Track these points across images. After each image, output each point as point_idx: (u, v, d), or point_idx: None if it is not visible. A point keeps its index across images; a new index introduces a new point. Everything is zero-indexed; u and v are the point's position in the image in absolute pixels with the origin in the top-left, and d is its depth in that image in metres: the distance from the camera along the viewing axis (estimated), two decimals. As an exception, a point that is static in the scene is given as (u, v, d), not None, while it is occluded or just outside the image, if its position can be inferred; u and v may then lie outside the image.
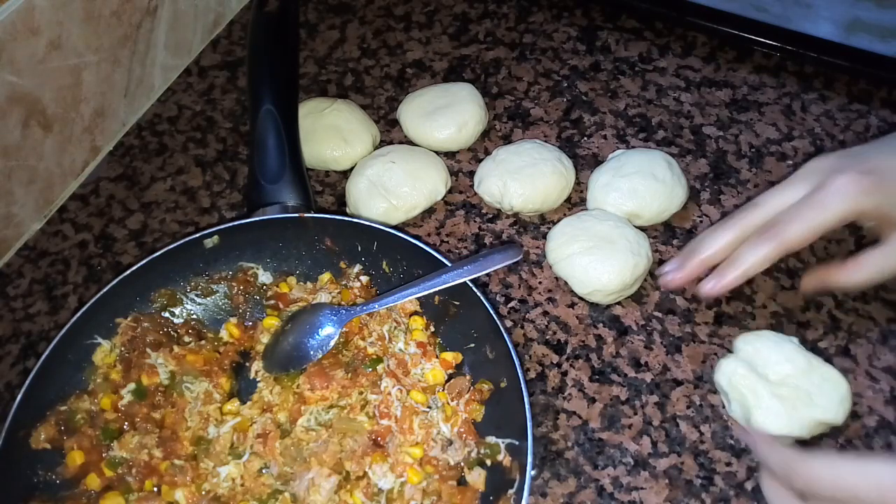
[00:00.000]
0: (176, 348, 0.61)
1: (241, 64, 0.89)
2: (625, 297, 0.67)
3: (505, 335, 0.57)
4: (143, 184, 0.80)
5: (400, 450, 0.56)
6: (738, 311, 0.66)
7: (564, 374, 0.64)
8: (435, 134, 0.77)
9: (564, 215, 0.72)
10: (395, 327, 0.63)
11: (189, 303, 0.66)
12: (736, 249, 0.58)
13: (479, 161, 0.77)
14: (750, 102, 0.80)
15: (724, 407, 0.61)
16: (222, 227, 0.65)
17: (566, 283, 0.68)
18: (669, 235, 0.71)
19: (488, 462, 0.57)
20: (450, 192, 0.76)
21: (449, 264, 0.61)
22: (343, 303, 0.63)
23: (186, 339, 0.63)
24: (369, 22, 0.92)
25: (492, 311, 0.58)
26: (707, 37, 0.86)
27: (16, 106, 0.70)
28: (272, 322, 0.64)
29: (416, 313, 0.65)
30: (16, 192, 0.73)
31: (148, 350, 0.61)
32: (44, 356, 0.57)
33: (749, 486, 0.58)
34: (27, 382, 0.56)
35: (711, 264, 0.59)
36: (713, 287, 0.58)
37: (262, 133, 0.69)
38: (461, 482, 0.57)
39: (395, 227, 0.65)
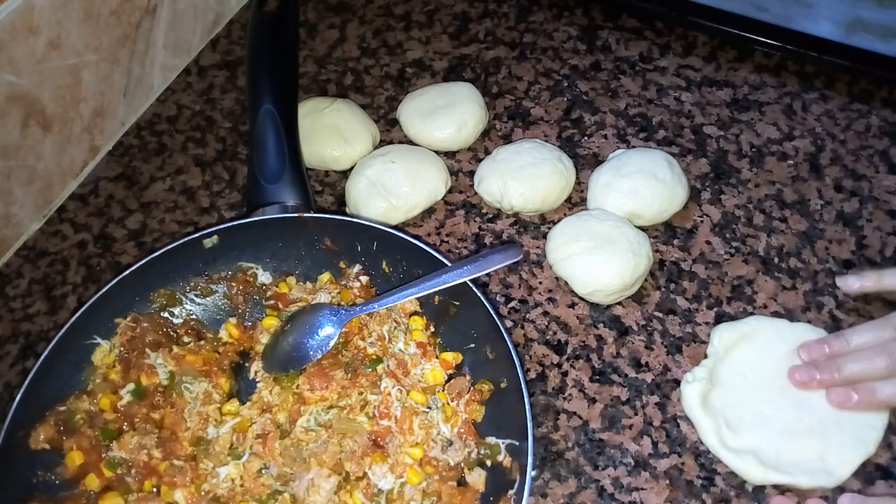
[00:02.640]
0: (175, 348, 0.61)
1: (241, 63, 0.89)
2: (625, 298, 0.67)
3: (505, 335, 0.57)
4: (142, 183, 0.79)
5: (400, 450, 0.56)
6: (738, 311, 0.66)
7: (565, 374, 0.64)
8: (435, 133, 0.77)
9: (565, 215, 0.72)
10: (395, 327, 0.63)
11: (188, 303, 0.66)
12: (873, 378, 0.57)
13: (479, 161, 0.77)
14: (751, 102, 0.80)
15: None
16: (222, 226, 0.64)
17: (566, 283, 0.68)
18: (670, 235, 0.71)
19: (488, 462, 0.57)
20: (450, 191, 0.76)
21: (449, 264, 0.60)
22: (343, 303, 0.63)
23: (186, 339, 0.63)
24: (369, 21, 0.92)
25: (492, 311, 0.58)
26: (708, 36, 0.86)
27: (15, 105, 0.70)
28: (272, 322, 0.63)
29: (416, 313, 0.64)
30: (15, 192, 0.73)
31: (147, 350, 0.61)
32: (43, 356, 0.57)
33: (749, 486, 0.58)
34: (26, 382, 0.56)
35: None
36: (842, 403, 0.57)
37: (262, 133, 0.69)
38: (461, 483, 0.56)
39: (395, 227, 0.65)
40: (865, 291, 0.64)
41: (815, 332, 0.63)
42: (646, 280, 0.68)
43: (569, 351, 0.65)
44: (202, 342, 0.63)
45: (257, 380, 0.62)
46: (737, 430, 0.58)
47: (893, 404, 0.56)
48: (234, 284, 0.66)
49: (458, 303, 0.62)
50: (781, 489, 0.57)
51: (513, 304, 0.68)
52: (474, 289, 0.59)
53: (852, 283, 0.64)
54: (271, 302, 0.65)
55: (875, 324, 0.60)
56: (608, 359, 0.65)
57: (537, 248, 0.71)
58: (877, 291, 0.64)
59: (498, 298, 0.69)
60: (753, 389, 0.60)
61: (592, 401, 0.63)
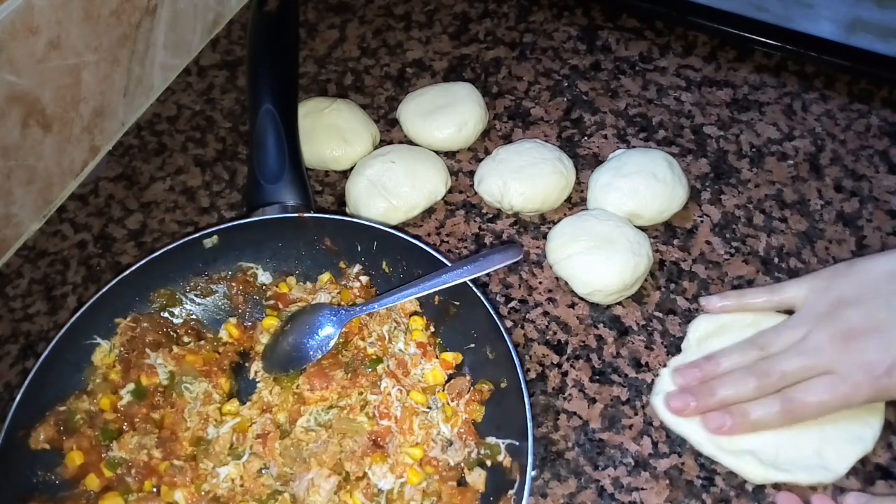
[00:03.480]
0: (175, 348, 0.61)
1: (241, 63, 0.89)
2: (625, 298, 0.67)
3: (505, 335, 0.57)
4: (142, 184, 0.79)
5: (400, 450, 0.56)
6: (738, 311, 0.66)
7: (565, 374, 0.64)
8: (435, 133, 0.77)
9: (565, 215, 0.72)
10: (395, 327, 0.63)
11: (188, 303, 0.66)
12: (744, 401, 0.58)
13: (479, 161, 0.77)
14: (751, 102, 0.80)
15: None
16: (222, 226, 0.64)
17: (566, 283, 0.68)
18: (670, 235, 0.71)
19: (488, 462, 0.57)
20: (450, 191, 0.76)
21: (449, 264, 0.60)
22: (343, 303, 0.63)
23: (186, 339, 0.63)
24: (369, 21, 0.92)
25: (492, 311, 0.58)
26: (708, 36, 0.86)
27: (15, 105, 0.70)
28: (272, 322, 0.63)
29: (416, 313, 0.64)
30: (15, 192, 0.73)
31: (147, 350, 0.61)
32: (43, 356, 0.57)
33: (749, 486, 0.58)
34: (26, 382, 0.56)
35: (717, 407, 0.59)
36: (718, 430, 0.58)
37: (262, 133, 0.69)
38: (461, 483, 0.56)
39: (395, 227, 0.65)
40: (727, 311, 0.64)
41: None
42: (646, 280, 0.68)
43: (569, 351, 0.65)
44: (202, 342, 0.63)
45: (257, 380, 0.62)
46: None
47: (765, 426, 0.57)
48: (234, 284, 0.66)
49: (458, 303, 0.62)
50: (779, 488, 0.57)
51: (513, 304, 0.68)
52: (474, 289, 0.59)
53: (714, 303, 0.64)
54: (271, 302, 0.65)
55: (743, 344, 0.60)
56: (608, 359, 0.65)
57: (537, 248, 0.71)
58: (739, 311, 0.64)
59: (498, 298, 0.69)
60: None
61: (592, 401, 0.63)
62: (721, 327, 0.63)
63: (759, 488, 0.57)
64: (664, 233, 0.71)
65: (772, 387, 0.57)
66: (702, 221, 0.72)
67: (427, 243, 0.63)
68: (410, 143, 0.79)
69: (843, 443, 0.57)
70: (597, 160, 0.77)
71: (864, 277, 0.59)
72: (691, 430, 0.59)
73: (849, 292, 0.58)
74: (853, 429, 0.58)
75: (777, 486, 0.57)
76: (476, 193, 0.75)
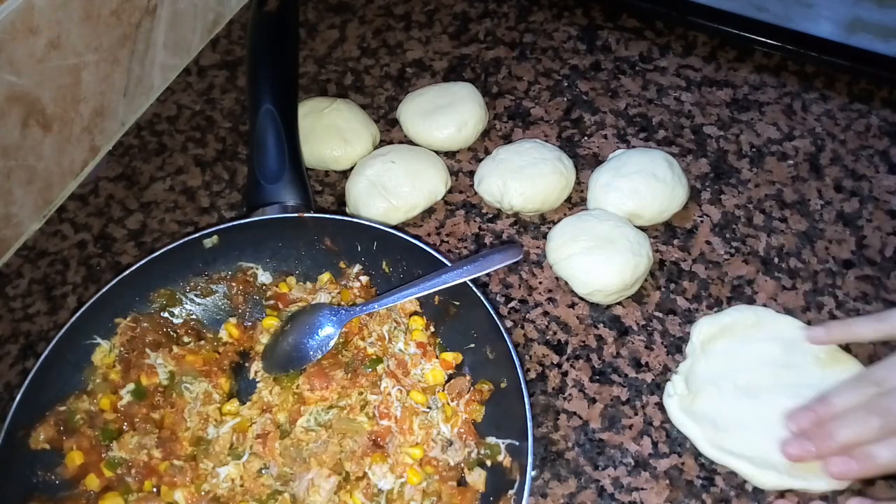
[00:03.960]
0: (175, 348, 0.61)
1: (241, 63, 0.89)
2: (625, 297, 0.67)
3: (505, 335, 0.57)
4: (142, 184, 0.79)
5: (400, 450, 0.56)
6: (738, 311, 0.66)
7: (565, 374, 0.64)
8: (435, 133, 0.77)
9: (565, 215, 0.72)
10: (395, 327, 0.63)
11: (188, 303, 0.66)
12: (866, 442, 0.54)
13: (479, 161, 0.77)
14: (751, 102, 0.80)
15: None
16: (222, 226, 0.64)
17: (566, 283, 0.68)
18: (670, 235, 0.71)
19: (488, 462, 0.57)
20: (450, 191, 0.76)
21: (449, 264, 0.60)
22: (343, 303, 0.63)
23: (186, 339, 0.63)
24: (369, 21, 0.92)
25: (492, 311, 0.58)
26: (708, 36, 0.86)
27: (15, 105, 0.70)
28: (271, 322, 0.63)
29: (416, 313, 0.64)
30: (15, 192, 0.73)
31: (147, 350, 0.61)
32: (43, 356, 0.57)
33: (749, 487, 0.58)
34: (26, 382, 0.56)
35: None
36: (843, 473, 0.54)
37: (262, 133, 0.69)
38: (461, 483, 0.56)
39: (395, 227, 0.65)
40: (834, 342, 0.61)
41: (797, 323, 0.63)
42: (646, 280, 0.68)
43: (569, 351, 0.65)
44: (202, 342, 0.63)
45: (257, 380, 0.62)
46: (738, 435, 0.58)
47: (892, 468, 0.54)
48: (234, 284, 0.66)
49: (458, 303, 0.62)
50: (783, 495, 0.57)
51: (513, 304, 0.68)
52: (474, 289, 0.59)
53: (820, 336, 0.61)
54: (271, 302, 0.65)
55: (856, 382, 0.57)
56: (608, 359, 0.65)
57: (537, 248, 0.71)
58: (848, 341, 0.61)
59: (498, 298, 0.69)
60: (743, 388, 0.60)
61: (592, 401, 0.63)
62: (724, 329, 0.63)
63: (759, 489, 0.57)
64: (664, 233, 0.71)
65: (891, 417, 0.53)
66: (702, 221, 0.72)
67: (427, 243, 0.63)
68: (410, 143, 0.79)
69: None
70: (597, 160, 0.77)
71: None
72: (698, 434, 0.59)
73: None
74: None
75: (781, 494, 0.57)
76: (476, 193, 0.75)
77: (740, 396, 0.59)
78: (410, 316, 0.64)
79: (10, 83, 0.68)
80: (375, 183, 0.72)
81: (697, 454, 0.59)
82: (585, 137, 0.79)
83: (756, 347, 0.62)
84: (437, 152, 0.77)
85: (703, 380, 0.61)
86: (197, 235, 0.64)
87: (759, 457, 0.57)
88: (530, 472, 0.52)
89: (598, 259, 0.65)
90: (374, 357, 0.60)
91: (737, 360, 0.61)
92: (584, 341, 0.66)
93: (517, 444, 0.55)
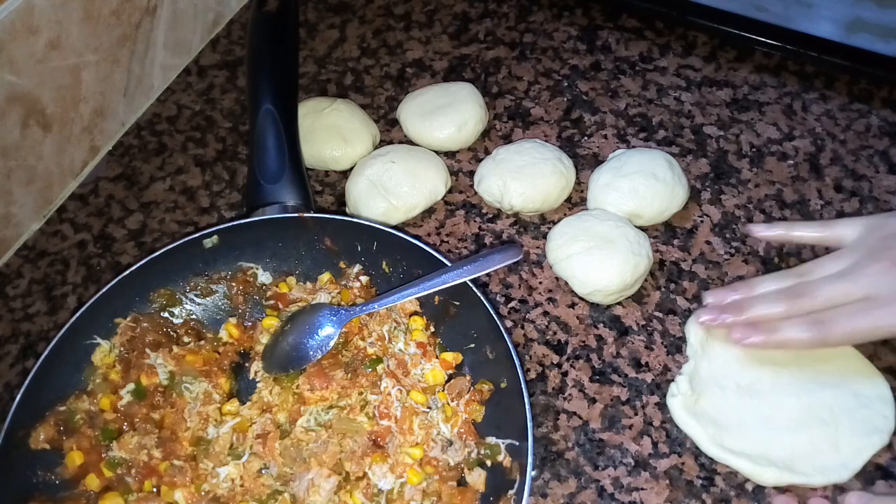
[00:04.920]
0: (175, 348, 0.61)
1: (241, 63, 0.89)
2: (625, 298, 0.67)
3: (505, 335, 0.57)
4: (142, 184, 0.79)
5: (400, 450, 0.56)
6: (738, 311, 0.66)
7: (565, 374, 0.64)
8: (435, 133, 0.77)
9: (565, 215, 0.72)
10: (395, 327, 0.63)
11: (188, 303, 0.66)
12: (778, 318, 0.57)
13: (479, 161, 0.77)
14: (751, 102, 0.80)
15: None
16: (222, 226, 0.64)
17: (566, 283, 0.68)
18: (670, 235, 0.71)
19: (488, 462, 0.57)
20: (450, 191, 0.76)
21: (449, 264, 0.60)
22: (343, 303, 0.63)
23: (186, 339, 0.63)
24: (369, 21, 0.92)
25: (492, 312, 0.58)
26: (708, 36, 0.86)
27: (15, 105, 0.70)
28: (271, 322, 0.63)
29: (416, 313, 0.64)
30: (15, 192, 0.73)
31: (147, 350, 0.61)
32: (43, 356, 0.57)
33: (749, 486, 0.58)
34: (26, 383, 0.56)
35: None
36: (746, 341, 0.57)
37: (262, 133, 0.69)
38: (461, 483, 0.56)
39: (395, 227, 0.65)
40: (772, 240, 0.63)
41: None
42: (646, 280, 0.68)
43: (569, 351, 0.65)
44: (202, 342, 0.63)
45: (257, 380, 0.62)
46: (739, 434, 0.58)
47: (792, 345, 0.56)
48: (234, 284, 0.66)
49: (458, 303, 0.62)
50: (783, 488, 0.57)
51: (513, 304, 0.68)
52: (474, 289, 0.59)
53: (760, 231, 0.63)
54: (271, 302, 0.65)
55: (782, 273, 0.60)
56: (608, 359, 0.65)
57: (537, 248, 0.71)
58: (785, 242, 0.63)
59: (498, 298, 0.69)
60: (745, 387, 0.60)
61: (592, 401, 0.63)
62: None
63: (759, 488, 0.57)
64: (664, 233, 0.71)
65: (806, 308, 0.56)
66: (702, 221, 0.72)
67: (427, 243, 0.63)
68: (410, 143, 0.79)
69: (858, 435, 0.57)
70: (597, 160, 0.77)
71: None
72: (700, 433, 0.59)
73: None
74: (868, 419, 0.57)
75: (778, 488, 0.57)
76: (476, 193, 0.75)
77: (743, 396, 0.60)
78: (410, 316, 0.64)
79: (10, 83, 0.68)
80: (375, 183, 0.72)
81: (697, 454, 0.59)
82: (585, 137, 0.79)
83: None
84: (437, 152, 0.77)
85: (707, 380, 0.61)
86: (197, 235, 0.64)
87: (759, 454, 0.57)
88: (530, 472, 0.52)
89: (598, 259, 0.65)
90: (374, 357, 0.60)
91: (738, 359, 0.61)
92: (584, 341, 0.66)
93: (517, 444, 0.55)
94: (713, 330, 0.63)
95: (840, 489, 0.56)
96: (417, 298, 0.63)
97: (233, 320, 0.65)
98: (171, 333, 0.63)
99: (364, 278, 0.66)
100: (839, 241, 0.60)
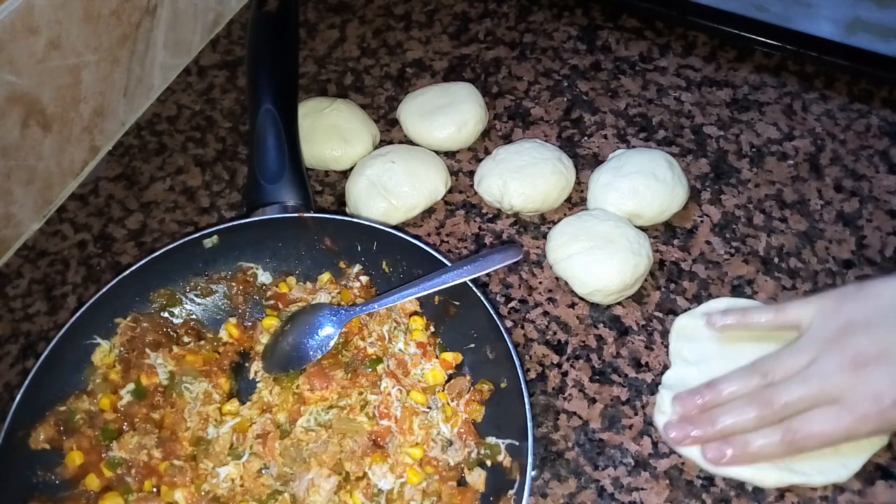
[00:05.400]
0: (175, 348, 0.61)
1: (241, 63, 0.89)
2: (625, 298, 0.67)
3: (505, 335, 0.57)
4: (142, 184, 0.79)
5: (400, 450, 0.56)
6: (738, 311, 0.66)
7: (565, 374, 0.64)
8: (435, 133, 0.77)
9: (565, 215, 0.72)
10: (395, 327, 0.63)
11: (188, 303, 0.66)
12: (745, 431, 0.56)
13: (479, 161, 0.77)
14: (751, 102, 0.80)
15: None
16: (222, 226, 0.64)
17: (566, 283, 0.68)
18: (670, 235, 0.71)
19: (488, 462, 0.57)
20: (450, 191, 0.76)
21: (449, 264, 0.60)
22: (343, 303, 0.63)
23: (186, 339, 0.63)
24: (369, 21, 0.92)
25: (492, 312, 0.58)
26: (708, 36, 0.86)
27: (15, 105, 0.70)
28: (271, 322, 0.63)
29: (416, 313, 0.64)
30: (15, 192, 0.73)
31: (147, 350, 0.61)
32: (43, 356, 0.57)
33: (749, 486, 0.58)
34: (26, 382, 0.56)
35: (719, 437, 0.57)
36: (717, 461, 0.56)
37: (262, 133, 0.69)
38: (461, 483, 0.56)
39: (395, 227, 0.65)
40: (729, 330, 0.61)
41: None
42: (646, 280, 0.68)
43: (569, 351, 0.65)
44: (202, 342, 0.63)
45: (257, 380, 0.62)
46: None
47: (766, 457, 0.55)
48: (234, 284, 0.66)
49: (458, 303, 0.62)
50: (782, 490, 0.57)
51: (513, 304, 0.68)
52: (474, 289, 0.59)
53: (716, 322, 0.62)
54: (271, 302, 0.65)
55: (744, 371, 0.58)
56: (608, 359, 0.65)
57: (537, 248, 0.71)
58: (742, 329, 0.61)
59: (498, 298, 0.69)
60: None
61: (592, 401, 0.63)
62: (702, 332, 0.63)
63: (759, 488, 0.57)
64: (664, 233, 0.71)
65: (775, 416, 0.54)
66: (702, 221, 0.72)
67: (427, 243, 0.63)
68: (410, 143, 0.79)
69: None
70: (597, 160, 0.77)
71: (874, 301, 0.55)
72: (693, 452, 0.58)
73: (858, 316, 0.55)
74: None
75: (781, 494, 0.57)
76: (476, 193, 0.75)
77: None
78: (410, 316, 0.64)
79: (10, 83, 0.68)
80: (375, 183, 0.72)
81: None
82: (585, 137, 0.79)
83: (746, 348, 0.61)
84: (437, 152, 0.77)
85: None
86: (197, 235, 0.64)
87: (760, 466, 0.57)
88: (530, 472, 0.52)
89: (598, 259, 0.65)
90: (374, 357, 0.60)
91: (728, 363, 0.61)
92: (584, 341, 0.66)
93: (517, 444, 0.55)
94: (703, 332, 0.63)
95: (840, 489, 0.56)
96: (417, 298, 0.63)
97: (233, 320, 0.65)
98: (171, 333, 0.63)
99: (364, 278, 0.66)
100: (795, 326, 0.58)
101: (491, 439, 0.57)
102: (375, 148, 0.79)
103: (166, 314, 0.64)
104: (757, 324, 0.61)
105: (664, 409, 0.60)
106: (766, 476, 0.56)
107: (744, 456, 0.56)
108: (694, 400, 0.58)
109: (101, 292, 0.61)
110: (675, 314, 0.66)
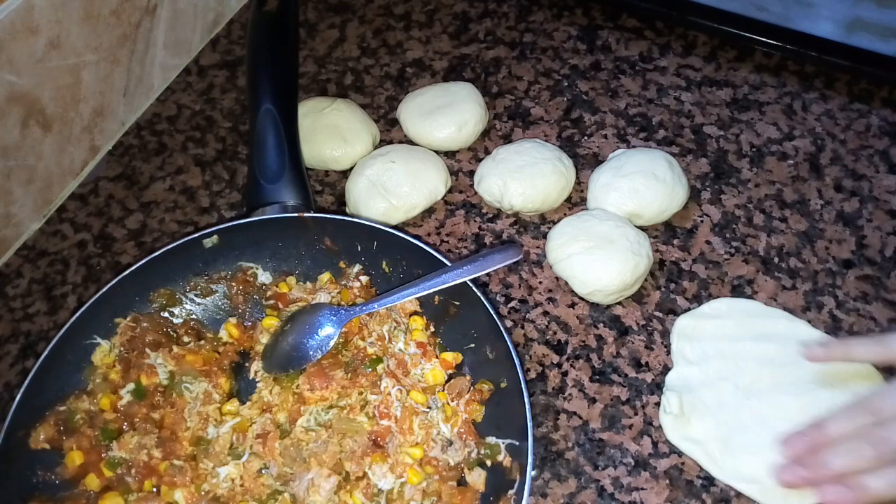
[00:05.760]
0: (175, 348, 0.61)
1: (241, 63, 0.89)
2: (625, 297, 0.67)
3: (505, 335, 0.57)
4: (142, 183, 0.79)
5: (400, 450, 0.56)
6: (738, 311, 0.66)
7: (565, 374, 0.64)
8: (435, 133, 0.77)
9: (565, 215, 0.72)
10: (395, 327, 0.63)
11: (188, 303, 0.66)
12: (859, 471, 0.53)
13: (479, 160, 0.77)
14: (751, 102, 0.80)
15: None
16: (221, 226, 0.64)
17: (566, 283, 0.68)
18: (670, 235, 0.71)
19: (488, 462, 0.57)
20: (450, 191, 0.76)
21: (449, 264, 0.60)
22: (343, 303, 0.63)
23: (186, 339, 0.63)
24: (369, 21, 0.92)
25: (492, 311, 0.58)
26: (708, 36, 0.86)
27: (15, 105, 0.70)
28: (271, 322, 0.63)
29: (416, 313, 0.64)
30: (15, 192, 0.73)
31: (147, 350, 0.61)
32: (43, 356, 0.57)
33: (750, 486, 0.58)
34: (26, 382, 0.56)
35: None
36: (837, 502, 0.53)
37: (262, 132, 0.69)
38: (461, 483, 0.56)
39: (395, 227, 0.65)
40: (831, 361, 0.60)
41: (781, 314, 0.63)
42: (646, 280, 0.68)
43: (569, 351, 0.65)
44: (202, 342, 0.63)
45: (257, 380, 0.62)
46: (743, 452, 0.57)
47: (885, 497, 0.53)
48: (234, 284, 0.66)
49: (458, 303, 0.62)
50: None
51: (513, 304, 0.68)
52: (474, 289, 0.59)
53: (818, 355, 0.59)
54: (271, 302, 0.65)
55: (853, 409, 0.56)
56: (608, 359, 0.65)
57: (537, 248, 0.71)
58: (844, 361, 0.60)
59: (498, 298, 0.69)
60: (743, 388, 0.60)
61: (592, 401, 0.63)
62: (705, 330, 0.63)
63: (759, 488, 0.57)
64: (664, 233, 0.71)
65: (894, 455, 0.52)
66: (702, 221, 0.72)
67: (427, 243, 0.63)
68: (410, 143, 0.79)
69: None
70: (597, 160, 0.77)
71: None
72: (699, 454, 0.58)
73: None
74: None
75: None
76: (476, 193, 0.75)
77: (741, 397, 0.59)
78: (410, 316, 0.64)
79: (10, 83, 0.68)
80: (375, 183, 0.72)
81: (697, 454, 0.59)
82: (585, 137, 0.79)
83: (747, 347, 0.62)
84: (437, 152, 0.77)
85: (698, 393, 0.60)
86: (197, 235, 0.64)
87: (766, 476, 0.56)
88: (530, 472, 0.52)
89: (598, 259, 0.65)
90: (374, 357, 0.60)
91: (728, 363, 0.61)
92: (584, 341, 0.66)
93: (517, 444, 0.55)
94: (704, 332, 0.63)
95: None
96: (417, 298, 0.63)
97: (233, 320, 0.65)
98: (171, 333, 0.63)
99: (364, 278, 0.66)
100: None
101: (491, 439, 0.57)
102: (375, 148, 0.79)
103: (166, 314, 0.64)
104: (859, 356, 0.59)
105: (670, 410, 0.60)
106: (775, 499, 0.56)
107: (864, 498, 0.53)
108: (802, 441, 0.56)
109: (101, 292, 0.61)
110: (675, 314, 0.66)
